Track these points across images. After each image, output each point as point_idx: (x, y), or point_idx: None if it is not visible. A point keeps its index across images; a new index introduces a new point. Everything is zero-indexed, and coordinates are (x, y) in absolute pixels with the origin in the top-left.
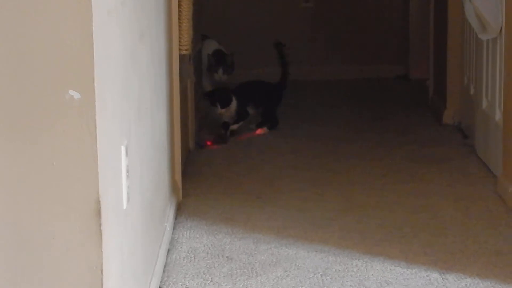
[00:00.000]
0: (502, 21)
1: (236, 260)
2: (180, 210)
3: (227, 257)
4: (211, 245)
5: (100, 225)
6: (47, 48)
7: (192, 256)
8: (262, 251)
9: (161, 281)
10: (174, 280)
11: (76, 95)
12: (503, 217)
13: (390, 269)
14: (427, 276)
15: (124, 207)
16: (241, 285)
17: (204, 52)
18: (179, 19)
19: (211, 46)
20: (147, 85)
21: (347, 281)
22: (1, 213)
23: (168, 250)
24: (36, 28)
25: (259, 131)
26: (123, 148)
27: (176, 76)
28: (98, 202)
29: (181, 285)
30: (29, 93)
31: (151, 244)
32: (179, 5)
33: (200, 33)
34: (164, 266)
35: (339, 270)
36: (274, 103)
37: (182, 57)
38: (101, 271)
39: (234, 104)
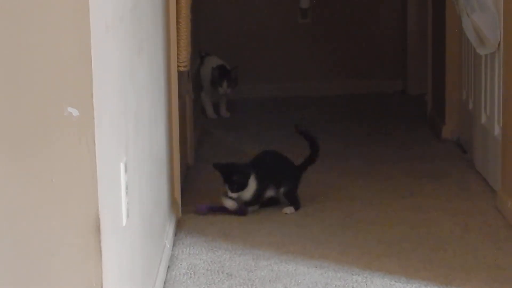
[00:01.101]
0: (500, 36)
1: (236, 276)
2: (179, 226)
3: (227, 273)
4: (211, 261)
5: (99, 241)
6: (45, 65)
7: (192, 272)
8: (262, 267)
9: None
10: None
11: (74, 112)
12: (503, 232)
13: (390, 284)
14: None
15: (124, 223)
16: None
17: (207, 68)
18: (177, 35)
19: (213, 62)
20: (145, 101)
21: None
22: (0, 230)
23: (168, 267)
24: (34, 44)
25: None
26: (122, 165)
27: (175, 92)
28: (97, 219)
29: None
30: (27, 110)
31: (150, 260)
32: (177, 22)
33: (201, 50)
34: (164, 283)
35: (339, 286)
36: (295, 184)
37: (180, 74)
38: None
39: (252, 186)
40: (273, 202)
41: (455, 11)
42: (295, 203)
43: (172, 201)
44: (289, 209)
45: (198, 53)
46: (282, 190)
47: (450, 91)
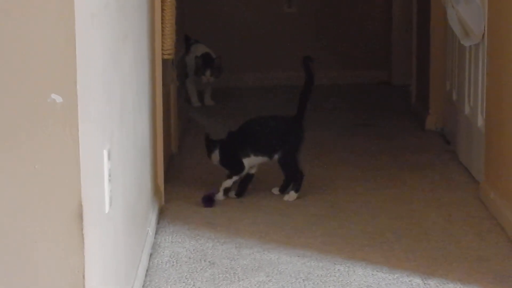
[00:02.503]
0: (484, 27)
1: (218, 264)
2: (162, 214)
3: (209, 261)
4: (194, 249)
5: (82, 228)
6: (29, 51)
7: (175, 260)
8: (245, 256)
9: (143, 286)
10: (157, 284)
11: (58, 98)
12: (485, 223)
13: (372, 274)
14: (409, 281)
15: (106, 211)
16: None
17: (192, 56)
18: (162, 23)
19: (200, 50)
20: (129, 89)
21: (329, 286)
22: None
23: (150, 255)
24: (18, 31)
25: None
26: (105, 152)
27: (159, 80)
28: (80, 205)
29: None
30: (11, 96)
31: (133, 248)
32: (162, 10)
33: (190, 37)
34: (147, 271)
35: (321, 275)
36: (292, 146)
37: (165, 62)
38: (83, 275)
39: (216, 154)
40: (247, 181)
41: (440, 2)
42: (293, 177)
43: (156, 189)
44: (290, 196)
45: (187, 40)
46: (276, 156)
47: (434, 82)
